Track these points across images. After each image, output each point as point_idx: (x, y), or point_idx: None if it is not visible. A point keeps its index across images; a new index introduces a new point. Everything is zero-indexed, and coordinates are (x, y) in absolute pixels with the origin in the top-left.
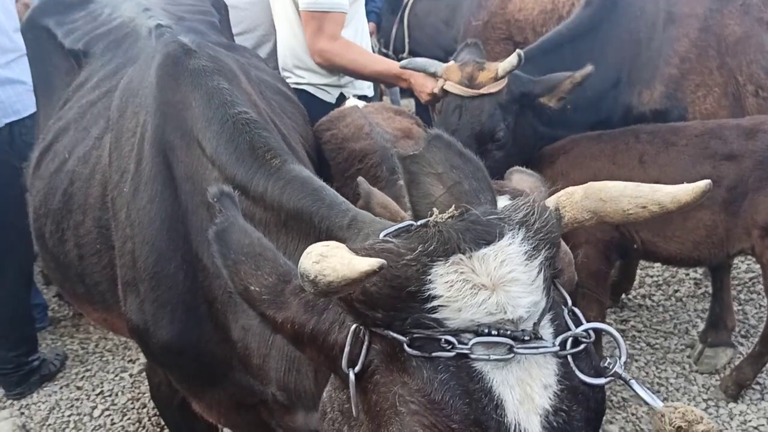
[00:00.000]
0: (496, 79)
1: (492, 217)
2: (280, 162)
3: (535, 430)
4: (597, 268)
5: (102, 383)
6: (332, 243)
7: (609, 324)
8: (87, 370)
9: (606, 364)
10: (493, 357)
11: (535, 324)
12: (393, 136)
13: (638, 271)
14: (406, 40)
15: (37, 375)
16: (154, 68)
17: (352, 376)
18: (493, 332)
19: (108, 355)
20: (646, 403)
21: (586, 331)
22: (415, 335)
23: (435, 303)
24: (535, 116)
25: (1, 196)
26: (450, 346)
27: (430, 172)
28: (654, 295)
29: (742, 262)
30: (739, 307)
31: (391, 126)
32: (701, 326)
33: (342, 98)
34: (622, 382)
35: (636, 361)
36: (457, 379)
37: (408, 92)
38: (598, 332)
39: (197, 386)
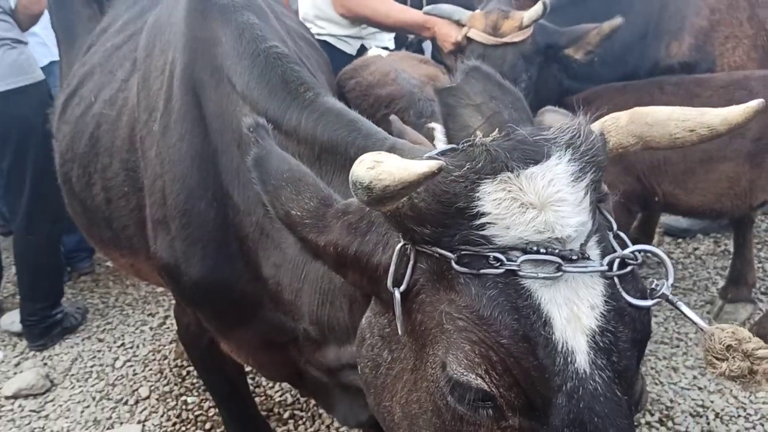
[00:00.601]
0: (521, 28)
1: (539, 137)
2: (313, 95)
3: (581, 349)
4: (618, 220)
5: (123, 335)
6: (380, 152)
7: None
8: (108, 323)
9: (653, 286)
10: (541, 275)
11: (582, 244)
12: (420, 82)
13: (657, 230)
14: None
15: (59, 327)
16: (182, 4)
17: (397, 295)
18: (542, 250)
19: (128, 309)
20: (695, 324)
21: (633, 253)
22: (463, 252)
23: (483, 220)
24: (560, 69)
25: (26, 146)
26: (498, 263)
27: (468, 104)
28: (673, 252)
29: (762, 220)
30: (759, 265)
31: (418, 72)
32: (721, 284)
33: (363, 50)
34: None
35: (655, 317)
36: (506, 295)
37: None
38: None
39: (227, 325)
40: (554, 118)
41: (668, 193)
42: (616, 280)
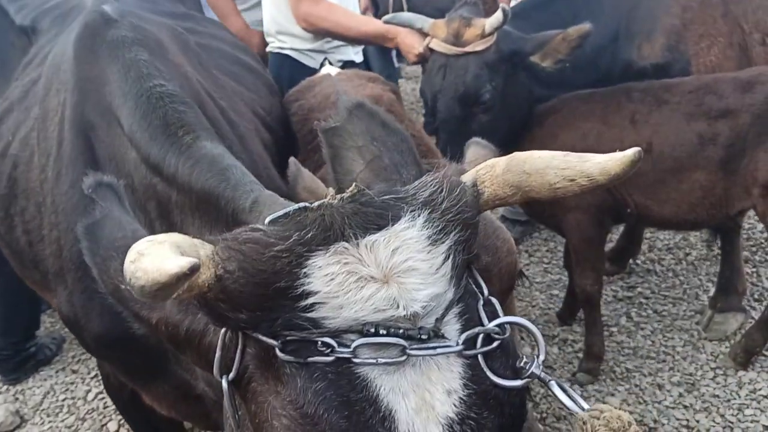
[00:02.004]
0: (483, 36)
1: (389, 197)
2: (192, 138)
3: None
4: (590, 234)
5: (97, 366)
6: (163, 236)
7: (615, 291)
8: (83, 353)
9: (522, 364)
10: (381, 360)
11: (437, 319)
12: None
13: (648, 235)
14: (405, 6)
15: (33, 360)
16: (72, 41)
17: (225, 384)
18: (382, 331)
19: None
20: (568, 409)
21: (500, 326)
22: (289, 338)
23: (311, 300)
24: (529, 77)
25: None
26: (328, 350)
27: (351, 146)
28: (664, 259)
29: (758, 221)
30: (753, 269)
31: (360, 93)
32: (712, 291)
33: (329, 65)
34: (628, 351)
35: (642, 329)
36: (336, 387)
37: None
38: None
39: (140, 378)
40: (476, 151)
41: (640, 205)
42: (480, 358)
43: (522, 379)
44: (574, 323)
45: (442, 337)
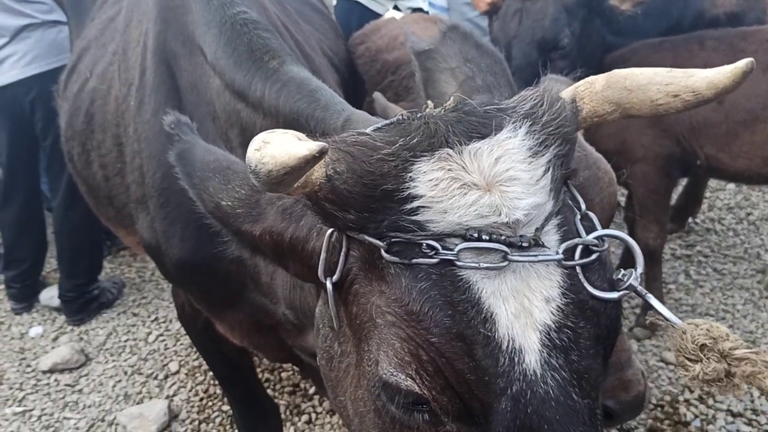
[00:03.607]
0: None
1: (491, 107)
2: (278, 63)
3: (532, 348)
4: (656, 185)
5: (157, 310)
6: (282, 130)
7: (673, 249)
8: (143, 298)
9: (620, 276)
10: (483, 265)
11: (537, 229)
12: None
13: (708, 195)
14: None
15: (96, 303)
16: None
17: (329, 286)
18: (485, 237)
19: (163, 283)
20: (666, 320)
21: (599, 238)
22: (394, 239)
23: (416, 203)
24: (603, 23)
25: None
26: (433, 252)
27: (444, 68)
28: (724, 219)
29: None
30: None
31: (428, 34)
32: None
33: (397, 10)
34: (686, 308)
35: (701, 287)
36: (440, 288)
37: None
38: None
39: (216, 306)
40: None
41: (711, 157)
42: (577, 269)
43: (618, 291)
44: None
45: (542, 246)
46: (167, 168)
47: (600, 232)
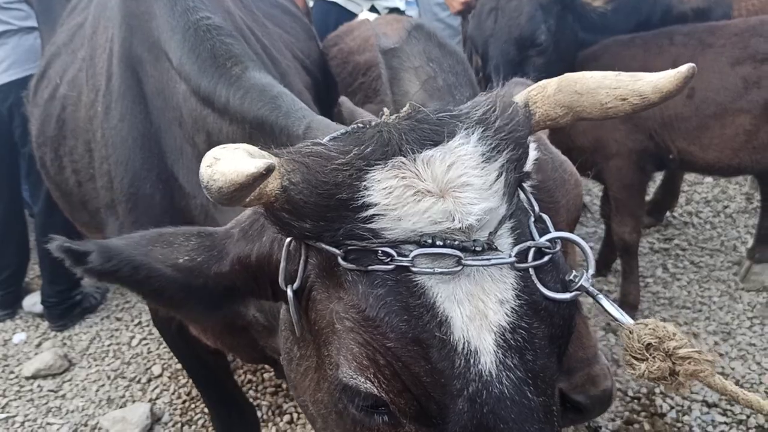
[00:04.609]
0: None
1: (443, 114)
2: (240, 69)
3: (487, 349)
4: (631, 180)
5: (140, 314)
6: (234, 145)
7: (651, 243)
8: (127, 302)
9: (572, 277)
10: (438, 270)
11: (491, 233)
12: None
13: (685, 188)
14: None
15: (79, 308)
16: None
17: (290, 293)
18: (438, 242)
19: None
20: (615, 320)
21: (551, 241)
22: (350, 247)
23: (371, 211)
24: (575, 20)
25: None
26: (388, 259)
27: (408, 66)
28: (702, 212)
29: None
30: None
31: (400, 35)
32: (750, 242)
33: (373, 10)
34: (663, 302)
35: (678, 280)
36: (395, 294)
37: None
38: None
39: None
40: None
41: (683, 150)
42: (531, 271)
43: (571, 292)
44: (609, 274)
45: (496, 249)
46: (135, 173)
47: (552, 234)
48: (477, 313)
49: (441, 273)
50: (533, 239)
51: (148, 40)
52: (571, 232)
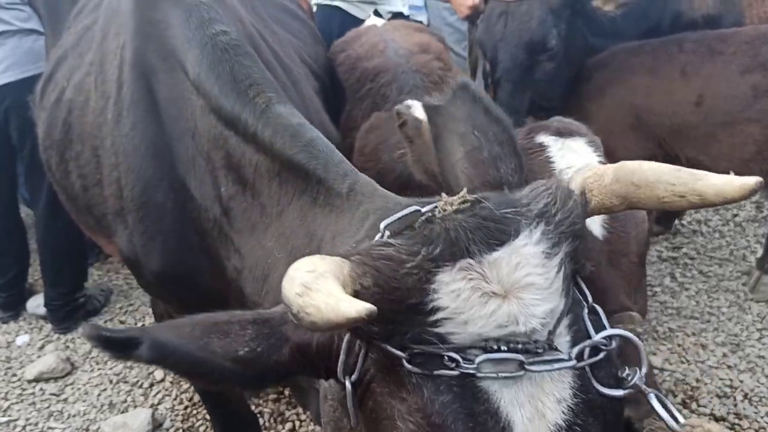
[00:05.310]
0: None
1: (507, 210)
2: (264, 101)
3: None
4: None
5: (144, 317)
6: (319, 266)
7: (659, 252)
8: (130, 305)
9: (624, 375)
10: (501, 375)
11: (550, 333)
12: (408, 52)
13: None
14: None
15: (82, 311)
16: None
17: (348, 386)
18: (503, 348)
19: None
20: (661, 419)
21: (606, 337)
22: (416, 351)
23: (439, 315)
24: (584, 25)
25: None
26: (454, 364)
27: (453, 130)
28: (711, 220)
29: None
30: None
31: (409, 41)
32: (760, 252)
33: (377, 16)
34: (671, 312)
35: (686, 290)
36: (461, 400)
37: None
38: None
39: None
40: (547, 141)
41: (692, 160)
42: (587, 369)
43: (624, 389)
44: None
45: (555, 349)
46: (146, 182)
47: (608, 332)
48: (536, 413)
49: (505, 378)
50: (589, 335)
51: (164, 49)
52: (642, 264)
